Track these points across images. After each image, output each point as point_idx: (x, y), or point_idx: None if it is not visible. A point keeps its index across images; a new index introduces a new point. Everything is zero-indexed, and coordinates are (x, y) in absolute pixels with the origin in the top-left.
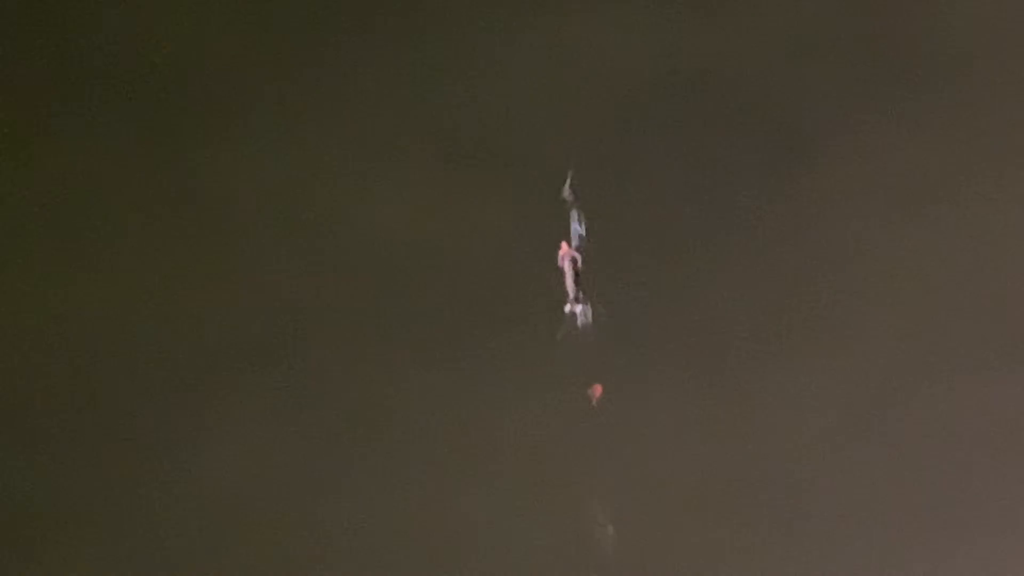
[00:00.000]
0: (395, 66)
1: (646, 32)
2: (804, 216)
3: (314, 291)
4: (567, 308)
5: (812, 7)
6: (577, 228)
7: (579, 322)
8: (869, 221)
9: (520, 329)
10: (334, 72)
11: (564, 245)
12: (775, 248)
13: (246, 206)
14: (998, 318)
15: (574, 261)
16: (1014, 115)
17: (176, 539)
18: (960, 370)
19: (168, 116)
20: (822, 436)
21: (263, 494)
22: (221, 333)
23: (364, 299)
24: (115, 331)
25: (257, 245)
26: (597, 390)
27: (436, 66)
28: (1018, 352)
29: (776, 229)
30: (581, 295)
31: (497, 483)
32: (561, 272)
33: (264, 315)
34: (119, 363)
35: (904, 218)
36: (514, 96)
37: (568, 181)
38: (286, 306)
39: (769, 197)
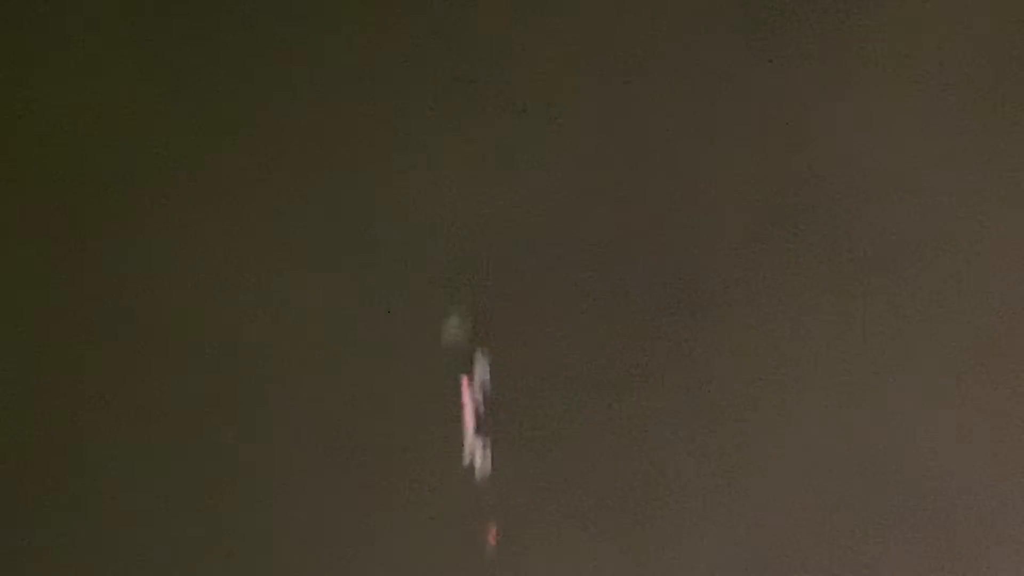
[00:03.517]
0: (303, 189)
1: (557, 175)
2: (703, 370)
3: (189, 419)
4: (465, 449)
5: (723, 165)
6: (481, 369)
7: (477, 464)
8: (765, 379)
9: (415, 469)
10: (238, 184)
11: (465, 383)
12: (675, 400)
13: (167, 297)
14: (880, 486)
15: (475, 401)
16: (914, 277)
17: None
18: (842, 530)
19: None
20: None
21: None
22: (137, 420)
23: (252, 423)
24: (38, 415)
25: (174, 338)
26: (492, 534)
27: (343, 197)
28: (891, 515)
29: (676, 381)
30: (481, 436)
31: None
32: (461, 409)
33: (171, 410)
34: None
35: (797, 380)
36: (417, 230)
37: (465, 320)
38: (164, 426)
39: (669, 349)
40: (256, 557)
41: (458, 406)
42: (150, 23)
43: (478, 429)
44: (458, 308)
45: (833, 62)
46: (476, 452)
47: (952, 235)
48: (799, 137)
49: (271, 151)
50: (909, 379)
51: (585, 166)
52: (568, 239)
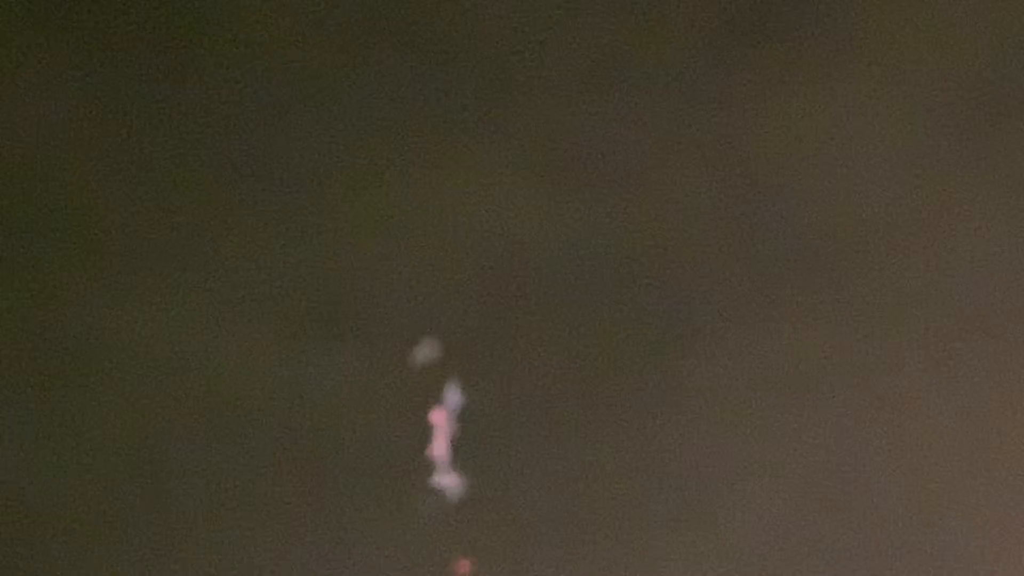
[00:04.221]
0: (270, 229)
1: (533, 206)
2: (683, 399)
3: (162, 455)
4: (437, 477)
5: (698, 192)
6: (453, 398)
7: (449, 492)
8: (746, 407)
9: (385, 496)
10: (200, 229)
11: (438, 411)
12: (653, 427)
13: (109, 355)
14: (872, 514)
15: (448, 428)
16: (897, 309)
17: None
18: (831, 559)
19: (43, 263)
20: None
21: None
22: (81, 480)
23: (225, 460)
24: None
25: (124, 399)
26: (464, 566)
27: (314, 230)
28: (893, 542)
29: (655, 409)
30: (452, 464)
31: None
32: (433, 439)
33: (127, 468)
34: None
35: (782, 406)
36: (390, 261)
37: (437, 346)
38: (148, 462)
39: (650, 378)
40: None
41: (431, 435)
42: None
43: (451, 458)
44: (431, 337)
45: (810, 65)
46: (449, 480)
47: (944, 236)
48: (779, 151)
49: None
50: (904, 384)
51: (562, 194)
52: (545, 269)
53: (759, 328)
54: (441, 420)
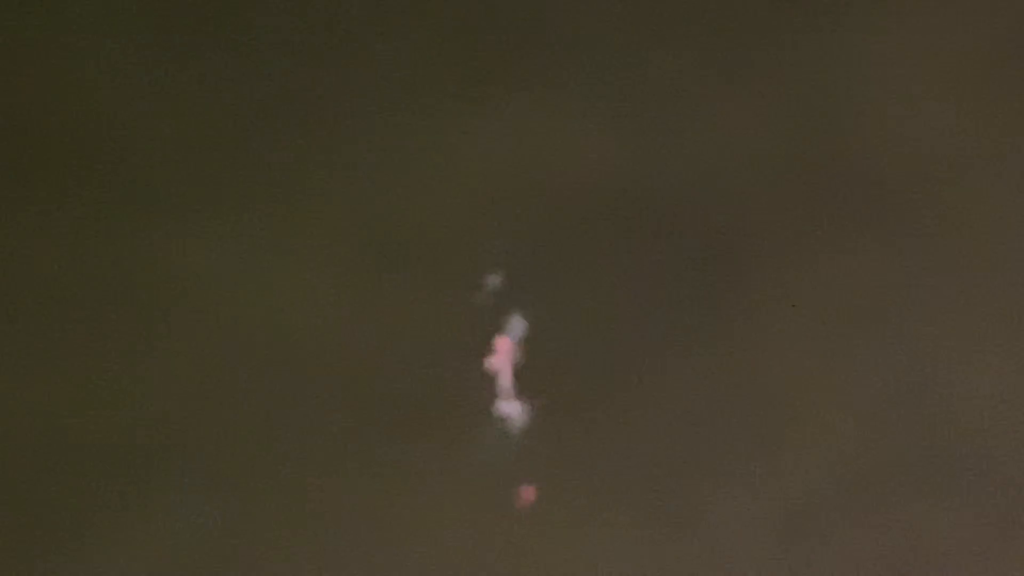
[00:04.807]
0: (331, 163)
1: (590, 140)
2: (740, 328)
3: (239, 384)
4: (501, 407)
5: (751, 126)
6: (516, 327)
7: (513, 420)
8: (799, 341)
9: (451, 425)
10: (268, 168)
11: (502, 343)
12: (713, 357)
13: (177, 297)
14: (927, 442)
15: (512, 360)
16: (943, 240)
17: None
18: (888, 493)
19: (105, 201)
20: (762, 547)
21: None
22: (150, 420)
23: (290, 395)
24: (38, 417)
25: (186, 336)
26: (529, 493)
27: (376, 165)
28: (950, 477)
29: (713, 339)
30: (517, 394)
31: None
32: (495, 371)
33: (191, 407)
34: (43, 448)
35: (832, 340)
36: (451, 196)
37: (499, 280)
38: (212, 399)
39: (706, 307)
40: (288, 527)
41: (495, 365)
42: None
43: (514, 389)
44: (496, 268)
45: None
46: (512, 412)
47: (998, 164)
48: (832, 83)
49: (303, 109)
50: (954, 322)
51: (620, 128)
52: (606, 201)
53: (815, 259)
54: (505, 349)
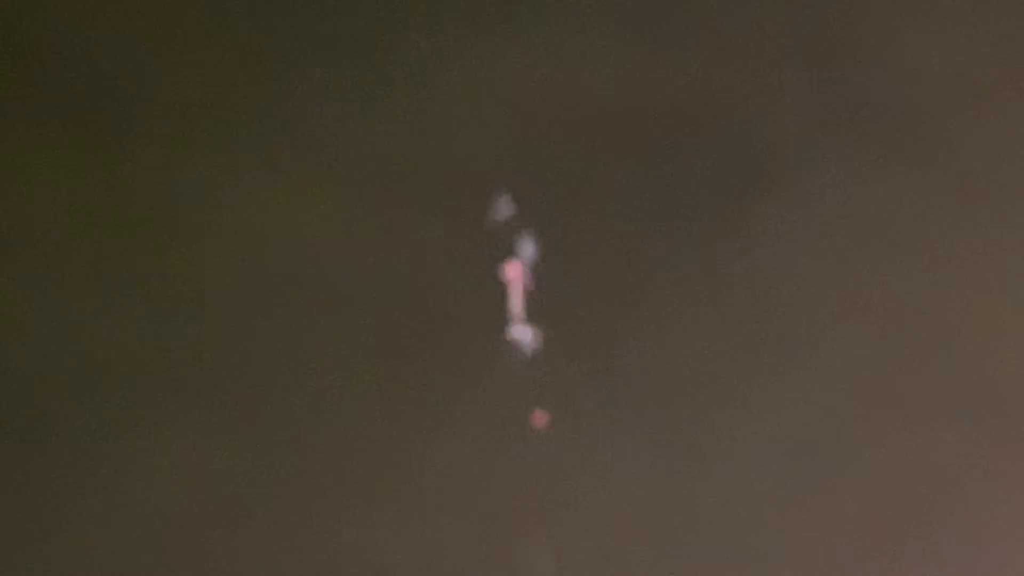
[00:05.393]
0: (339, 90)
1: (606, 59)
2: (761, 249)
3: (244, 314)
4: (513, 330)
5: (777, 43)
6: (528, 249)
7: (525, 345)
8: (827, 257)
9: (462, 351)
10: (271, 93)
11: (513, 265)
12: (731, 279)
13: (182, 224)
14: (951, 361)
15: (523, 282)
16: (971, 161)
17: (107, 562)
18: (913, 412)
19: (107, 122)
20: (776, 472)
21: (190, 519)
22: (153, 352)
23: (298, 322)
24: (40, 347)
25: (190, 265)
26: (541, 417)
27: (386, 89)
28: (970, 400)
29: (733, 260)
30: (529, 317)
31: (433, 513)
32: (508, 293)
33: (196, 338)
34: (45, 382)
35: (862, 257)
36: (464, 118)
37: (513, 201)
38: (217, 329)
39: (726, 228)
40: (305, 457)
41: (506, 288)
42: None
43: (526, 312)
44: (507, 189)
45: None
46: (524, 335)
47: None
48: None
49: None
50: (975, 247)
51: (640, 43)
52: (619, 119)
53: (836, 181)
54: (516, 273)
